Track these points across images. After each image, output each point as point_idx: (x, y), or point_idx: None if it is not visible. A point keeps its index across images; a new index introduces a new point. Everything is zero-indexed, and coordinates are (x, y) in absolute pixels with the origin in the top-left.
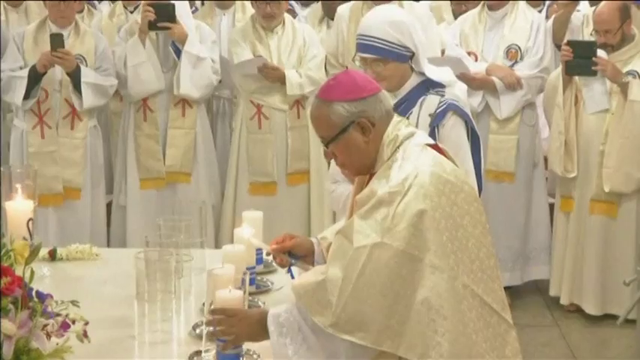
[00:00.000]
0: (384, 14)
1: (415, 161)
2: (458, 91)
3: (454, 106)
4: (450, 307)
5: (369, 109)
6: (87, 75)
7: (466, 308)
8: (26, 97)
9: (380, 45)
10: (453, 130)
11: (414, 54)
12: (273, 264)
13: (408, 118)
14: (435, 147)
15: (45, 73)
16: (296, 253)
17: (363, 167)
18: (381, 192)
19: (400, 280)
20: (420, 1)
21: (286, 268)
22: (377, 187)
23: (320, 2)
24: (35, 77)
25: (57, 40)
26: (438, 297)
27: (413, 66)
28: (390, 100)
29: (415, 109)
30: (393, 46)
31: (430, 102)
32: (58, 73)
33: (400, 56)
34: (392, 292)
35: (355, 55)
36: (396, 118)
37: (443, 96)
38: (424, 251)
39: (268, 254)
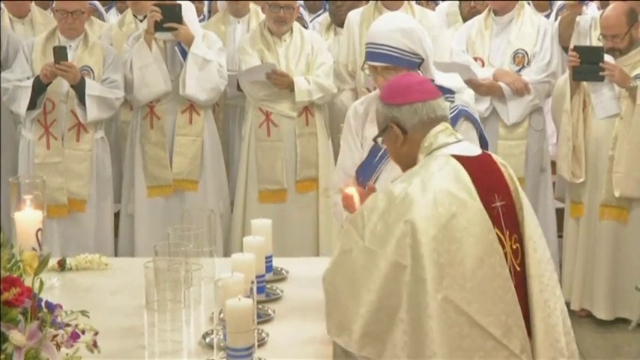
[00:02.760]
0: (394, 22)
1: (424, 173)
2: (467, 97)
3: (465, 111)
4: (433, 320)
5: (401, 118)
6: (92, 88)
7: (445, 323)
8: (32, 107)
9: (391, 53)
10: (466, 136)
11: (423, 60)
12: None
13: None
14: (481, 157)
15: (49, 84)
16: None
17: (402, 166)
18: (380, 199)
19: (386, 288)
20: (437, 7)
21: None
22: (386, 191)
23: (327, 10)
24: (39, 88)
25: (60, 53)
26: (417, 307)
27: (422, 72)
28: (438, 110)
29: None
30: (404, 53)
31: None
32: (64, 84)
33: (411, 63)
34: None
35: (364, 64)
36: (439, 127)
37: (453, 102)
38: (407, 260)
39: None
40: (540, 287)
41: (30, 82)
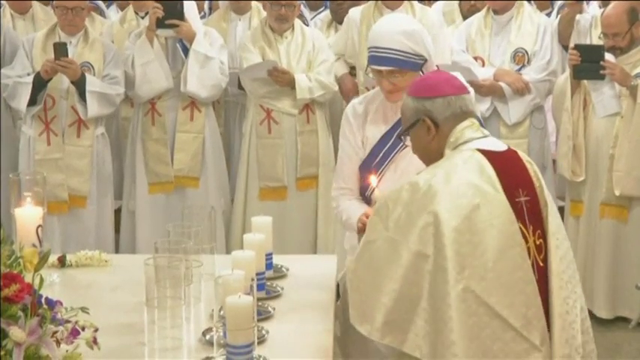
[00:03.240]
0: (396, 24)
1: (448, 165)
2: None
3: None
4: (452, 309)
5: (434, 110)
6: (92, 84)
7: (464, 312)
8: (32, 103)
9: (395, 56)
10: None
11: (426, 60)
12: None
13: None
14: (507, 153)
15: (49, 80)
16: None
17: (427, 161)
18: (405, 190)
19: (408, 277)
20: (432, 6)
21: None
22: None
23: (328, 8)
24: (40, 84)
25: (61, 49)
26: (438, 297)
27: (425, 72)
28: (468, 105)
29: None
30: (408, 55)
31: None
32: (64, 80)
33: (415, 65)
34: (398, 289)
35: (367, 68)
36: (466, 122)
37: None
38: (429, 250)
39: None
40: (560, 284)
41: (30, 79)
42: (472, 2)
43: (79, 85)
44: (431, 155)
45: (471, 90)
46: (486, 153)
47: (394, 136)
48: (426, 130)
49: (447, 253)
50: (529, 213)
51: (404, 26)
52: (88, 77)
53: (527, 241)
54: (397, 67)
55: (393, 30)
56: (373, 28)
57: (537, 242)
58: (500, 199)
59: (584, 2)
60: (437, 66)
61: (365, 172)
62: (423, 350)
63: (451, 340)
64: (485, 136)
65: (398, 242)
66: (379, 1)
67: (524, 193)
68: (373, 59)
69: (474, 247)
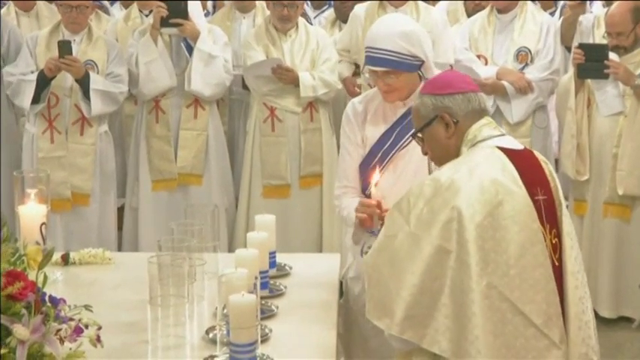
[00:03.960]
0: (393, 25)
1: (470, 161)
2: None
3: None
4: (476, 304)
5: (453, 106)
6: (96, 82)
7: (488, 308)
8: (36, 101)
9: (391, 57)
10: None
11: (423, 62)
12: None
13: None
14: (524, 152)
15: (53, 77)
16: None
17: (443, 160)
18: (426, 185)
19: (429, 272)
20: (437, 5)
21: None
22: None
23: (332, 6)
24: (43, 82)
25: (65, 47)
26: (461, 292)
27: (422, 73)
28: (485, 102)
29: None
30: (404, 57)
31: None
32: (68, 78)
33: (411, 66)
34: (419, 284)
35: (364, 68)
36: (483, 120)
37: None
38: (452, 245)
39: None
40: (576, 284)
41: (34, 76)
42: (477, 1)
43: (83, 83)
44: (448, 153)
45: None
46: (506, 151)
47: (393, 136)
48: (444, 126)
49: (470, 249)
50: (546, 212)
51: (400, 27)
52: (92, 75)
53: (544, 240)
54: (392, 68)
55: (389, 31)
56: (370, 28)
57: (553, 241)
58: (523, 196)
59: (587, 3)
60: (438, 65)
61: (364, 171)
62: (442, 346)
63: (475, 336)
64: (502, 135)
65: (420, 237)
66: (384, 0)
67: (542, 192)
68: (369, 59)
69: (497, 243)
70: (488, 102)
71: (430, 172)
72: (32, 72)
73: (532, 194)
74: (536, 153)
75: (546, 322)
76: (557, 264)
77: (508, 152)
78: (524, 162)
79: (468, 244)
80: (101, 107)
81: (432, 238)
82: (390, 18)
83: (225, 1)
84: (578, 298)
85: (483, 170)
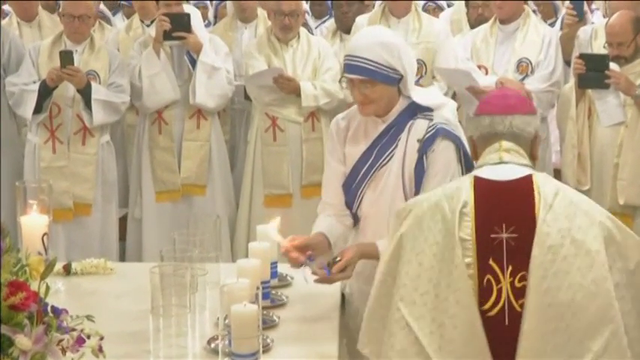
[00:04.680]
0: (374, 35)
1: (443, 188)
2: (447, 113)
3: (443, 130)
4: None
5: (471, 129)
6: (98, 92)
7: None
8: (38, 111)
9: (368, 66)
10: (442, 154)
11: (402, 77)
12: (288, 276)
13: (397, 144)
14: (514, 182)
15: (55, 87)
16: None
17: None
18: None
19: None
20: (440, 15)
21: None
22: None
23: (333, 16)
24: (45, 91)
25: (67, 58)
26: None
27: (401, 88)
28: (495, 125)
29: (403, 135)
30: (382, 67)
31: (418, 126)
32: (70, 88)
33: (388, 78)
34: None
35: (342, 77)
36: (495, 145)
37: (431, 120)
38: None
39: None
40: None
41: (36, 86)
42: (480, 11)
43: (85, 93)
44: None
45: (450, 103)
46: (481, 181)
47: (374, 154)
48: (473, 148)
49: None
50: (512, 251)
51: (381, 37)
52: (94, 85)
53: (498, 282)
54: (368, 76)
55: (370, 40)
56: (353, 37)
57: (517, 285)
58: (447, 229)
59: (588, 13)
60: (437, 69)
61: (348, 190)
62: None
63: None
64: (499, 162)
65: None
66: (386, 9)
67: (511, 229)
68: (346, 67)
69: (410, 265)
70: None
71: (404, 189)
72: (34, 82)
73: (487, 231)
74: (539, 183)
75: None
76: (518, 309)
77: (482, 183)
78: (498, 196)
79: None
80: (103, 117)
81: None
82: (374, 29)
83: (228, 10)
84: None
85: (431, 199)
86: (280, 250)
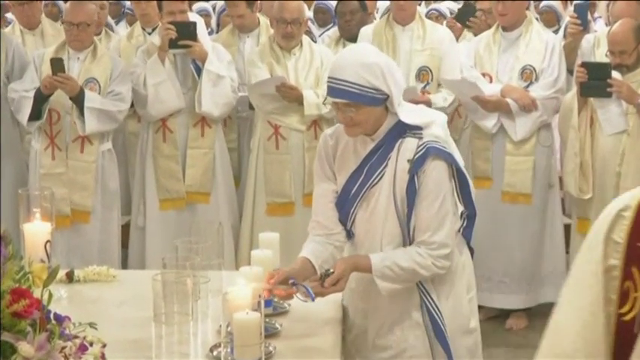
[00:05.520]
0: (356, 56)
1: None
2: (436, 129)
3: (434, 149)
4: None
5: None
6: (91, 100)
7: None
8: (38, 117)
9: (351, 89)
10: (433, 174)
11: (388, 96)
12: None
13: (386, 163)
14: None
15: (50, 95)
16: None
17: None
18: None
19: None
20: (444, 22)
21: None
22: None
23: (337, 24)
24: (41, 98)
25: (57, 65)
26: None
27: (388, 106)
28: None
29: (393, 154)
30: (364, 89)
31: (408, 145)
32: None
33: (373, 100)
34: None
35: (325, 99)
36: None
37: (421, 138)
38: None
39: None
40: None
41: (32, 93)
42: (483, 18)
43: (78, 101)
44: None
45: (440, 118)
46: None
47: (364, 173)
48: None
49: None
50: None
51: (363, 59)
52: (88, 93)
53: (635, 290)
54: (351, 100)
55: (351, 62)
56: (334, 58)
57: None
58: None
59: (591, 22)
60: (443, 81)
61: (341, 209)
62: None
63: None
64: None
65: None
66: (390, 17)
67: None
68: (329, 90)
69: None
70: (491, 120)
71: (397, 209)
72: (35, 89)
73: (636, 238)
74: None
75: None
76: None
77: None
78: None
79: None
80: (97, 125)
81: None
82: (354, 48)
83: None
84: None
85: None
86: (264, 294)
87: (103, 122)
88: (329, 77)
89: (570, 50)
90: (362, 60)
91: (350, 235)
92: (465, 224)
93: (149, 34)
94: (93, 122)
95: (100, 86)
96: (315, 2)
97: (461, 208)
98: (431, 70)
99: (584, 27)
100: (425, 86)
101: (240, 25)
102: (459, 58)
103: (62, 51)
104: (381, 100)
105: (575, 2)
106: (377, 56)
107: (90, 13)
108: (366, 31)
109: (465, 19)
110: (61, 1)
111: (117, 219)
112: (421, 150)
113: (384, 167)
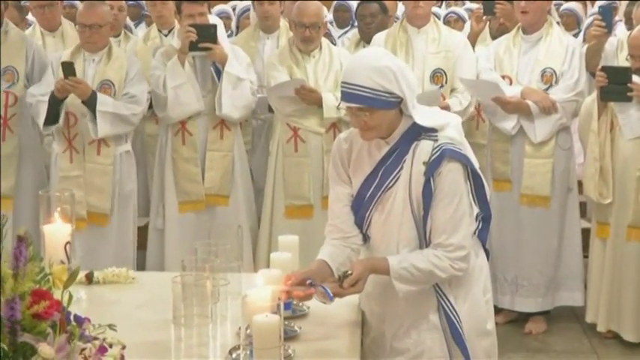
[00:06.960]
0: (367, 60)
1: None
2: (451, 132)
3: (449, 151)
4: None
5: None
6: (103, 103)
7: None
8: (55, 121)
9: (363, 93)
10: (449, 176)
11: (402, 99)
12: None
13: (402, 166)
14: None
15: (64, 98)
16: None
17: None
18: None
19: None
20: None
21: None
22: None
23: (356, 26)
24: (55, 102)
25: (68, 68)
26: None
27: (402, 109)
28: None
29: (408, 157)
30: (378, 93)
31: (423, 148)
32: None
33: (387, 103)
34: None
35: (339, 104)
36: None
37: (436, 140)
38: None
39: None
40: None
41: (47, 97)
42: (501, 21)
43: (90, 104)
44: None
45: (455, 120)
46: None
47: (379, 176)
48: None
49: None
50: None
51: (375, 62)
52: (100, 97)
53: None
54: (365, 104)
55: (364, 66)
56: (347, 63)
57: None
58: None
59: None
60: (463, 81)
61: (357, 212)
62: None
63: None
64: None
65: None
66: (404, 21)
67: None
68: (343, 95)
69: None
70: (511, 121)
71: (413, 212)
72: (50, 92)
73: None
74: None
75: None
76: None
77: None
78: None
79: None
80: (110, 129)
81: None
82: (366, 52)
83: (250, 21)
84: None
85: None
86: (282, 297)
87: (115, 126)
88: (342, 82)
89: (594, 53)
90: (373, 64)
91: (366, 238)
92: (480, 226)
93: (165, 35)
94: (106, 126)
95: (114, 88)
96: (335, 2)
97: (476, 210)
98: (445, 73)
99: (609, 30)
100: (439, 88)
101: (266, 21)
102: (474, 61)
103: (78, 53)
104: (394, 104)
105: (599, 4)
106: (388, 59)
107: (102, 15)
108: (379, 38)
109: (491, 9)
110: (79, 2)
111: (133, 220)
112: (437, 152)
113: (400, 170)
